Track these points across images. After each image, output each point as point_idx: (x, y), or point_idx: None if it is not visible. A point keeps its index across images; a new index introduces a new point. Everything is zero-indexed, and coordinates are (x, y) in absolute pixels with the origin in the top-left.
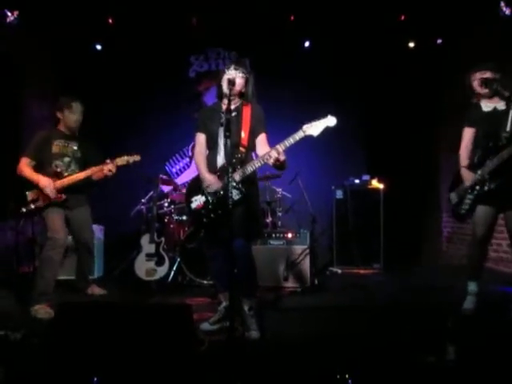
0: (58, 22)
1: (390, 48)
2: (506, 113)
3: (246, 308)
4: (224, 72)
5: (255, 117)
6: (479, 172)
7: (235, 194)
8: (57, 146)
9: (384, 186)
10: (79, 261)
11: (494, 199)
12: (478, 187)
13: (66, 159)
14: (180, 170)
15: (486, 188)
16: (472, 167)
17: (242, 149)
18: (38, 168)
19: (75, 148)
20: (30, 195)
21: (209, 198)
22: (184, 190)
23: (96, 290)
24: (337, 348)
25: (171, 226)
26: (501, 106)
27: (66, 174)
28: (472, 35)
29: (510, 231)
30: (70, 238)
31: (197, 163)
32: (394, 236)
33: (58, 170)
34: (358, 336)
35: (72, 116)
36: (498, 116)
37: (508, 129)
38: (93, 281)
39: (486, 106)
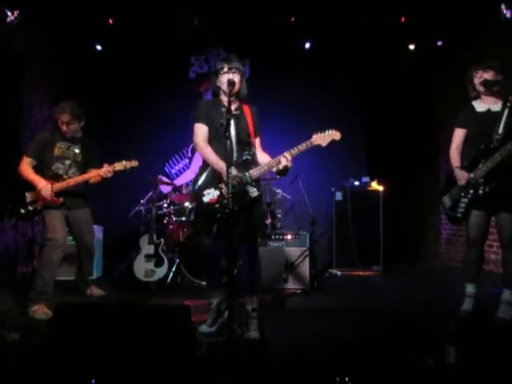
0: (58, 22)
1: (390, 50)
2: (499, 115)
3: (249, 308)
4: (219, 71)
5: (253, 118)
6: (472, 175)
7: (253, 192)
8: (59, 149)
9: (384, 188)
10: (79, 262)
11: (487, 203)
12: (471, 191)
13: (67, 162)
14: (179, 170)
15: (480, 192)
16: (464, 168)
17: (252, 146)
18: (39, 169)
19: (77, 151)
20: (28, 196)
21: (224, 192)
22: (183, 191)
23: (95, 291)
24: (336, 350)
25: (170, 226)
26: (495, 107)
27: (65, 176)
28: (472, 37)
29: (500, 233)
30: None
31: (208, 155)
32: (394, 238)
33: (59, 172)
34: (358, 338)
35: (61, 125)
36: (491, 117)
37: (500, 131)
38: (92, 282)
39: (480, 106)
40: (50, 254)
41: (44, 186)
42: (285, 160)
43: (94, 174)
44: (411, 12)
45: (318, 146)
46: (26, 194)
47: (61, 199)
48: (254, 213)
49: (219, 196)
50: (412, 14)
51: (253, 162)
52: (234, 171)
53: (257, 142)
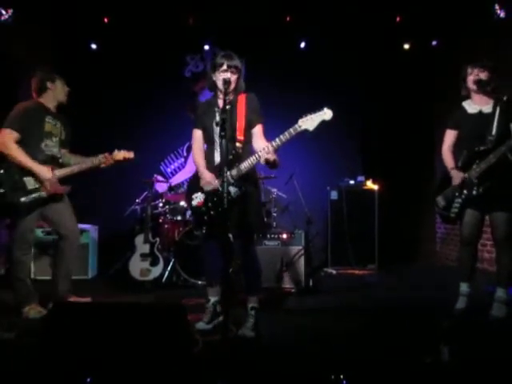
0: (53, 20)
1: (386, 49)
2: (491, 116)
3: (249, 306)
4: (217, 67)
5: (250, 108)
6: (466, 175)
7: (234, 192)
8: (49, 124)
9: (379, 187)
10: (59, 259)
11: (481, 202)
12: (465, 191)
13: (55, 139)
14: (175, 169)
15: (474, 192)
16: (458, 169)
17: (238, 144)
18: (22, 146)
19: (61, 128)
20: (30, 182)
21: (208, 195)
22: (179, 190)
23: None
24: (331, 348)
25: (166, 226)
26: (486, 108)
27: (59, 156)
28: (467, 37)
29: (494, 232)
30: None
31: (195, 160)
32: (389, 237)
33: (55, 154)
34: (353, 336)
35: (65, 87)
36: (483, 119)
37: (493, 132)
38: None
39: (471, 107)
40: (19, 255)
41: (47, 175)
42: (264, 153)
43: (97, 163)
44: (406, 12)
45: (305, 131)
46: (25, 178)
47: (68, 187)
48: (241, 212)
49: (205, 199)
50: (407, 14)
51: (240, 158)
52: (213, 180)
53: (257, 130)
